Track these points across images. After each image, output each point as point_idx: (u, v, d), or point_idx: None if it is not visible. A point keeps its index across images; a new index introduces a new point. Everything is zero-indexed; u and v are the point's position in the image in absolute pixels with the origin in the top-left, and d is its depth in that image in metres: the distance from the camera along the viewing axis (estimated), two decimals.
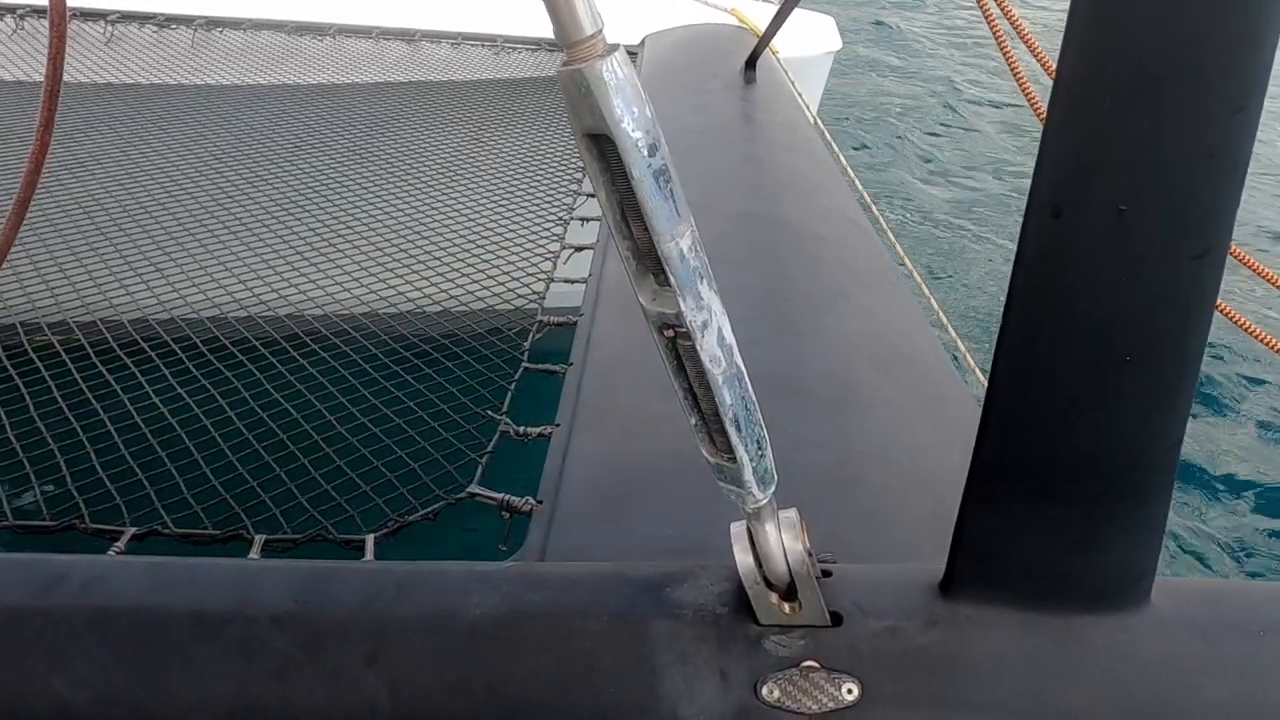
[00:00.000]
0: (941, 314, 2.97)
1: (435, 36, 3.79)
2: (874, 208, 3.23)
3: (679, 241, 0.62)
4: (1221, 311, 1.78)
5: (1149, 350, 0.67)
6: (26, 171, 0.91)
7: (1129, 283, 0.65)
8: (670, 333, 0.67)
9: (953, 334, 2.97)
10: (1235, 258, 1.77)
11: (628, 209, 0.64)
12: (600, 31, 0.58)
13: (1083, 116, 0.62)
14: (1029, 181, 0.66)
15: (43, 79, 0.89)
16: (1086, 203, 0.63)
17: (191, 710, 0.77)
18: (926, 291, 2.97)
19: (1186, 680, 0.74)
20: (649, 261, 0.65)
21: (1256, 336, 1.91)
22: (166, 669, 0.77)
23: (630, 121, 0.58)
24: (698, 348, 0.66)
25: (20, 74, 3.18)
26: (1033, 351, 0.69)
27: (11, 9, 3.59)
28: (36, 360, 1.86)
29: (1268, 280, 1.89)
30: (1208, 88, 0.59)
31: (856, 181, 3.27)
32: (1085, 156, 0.63)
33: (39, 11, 3.60)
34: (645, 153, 0.59)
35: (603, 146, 0.61)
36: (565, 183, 2.68)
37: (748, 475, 0.71)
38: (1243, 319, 1.87)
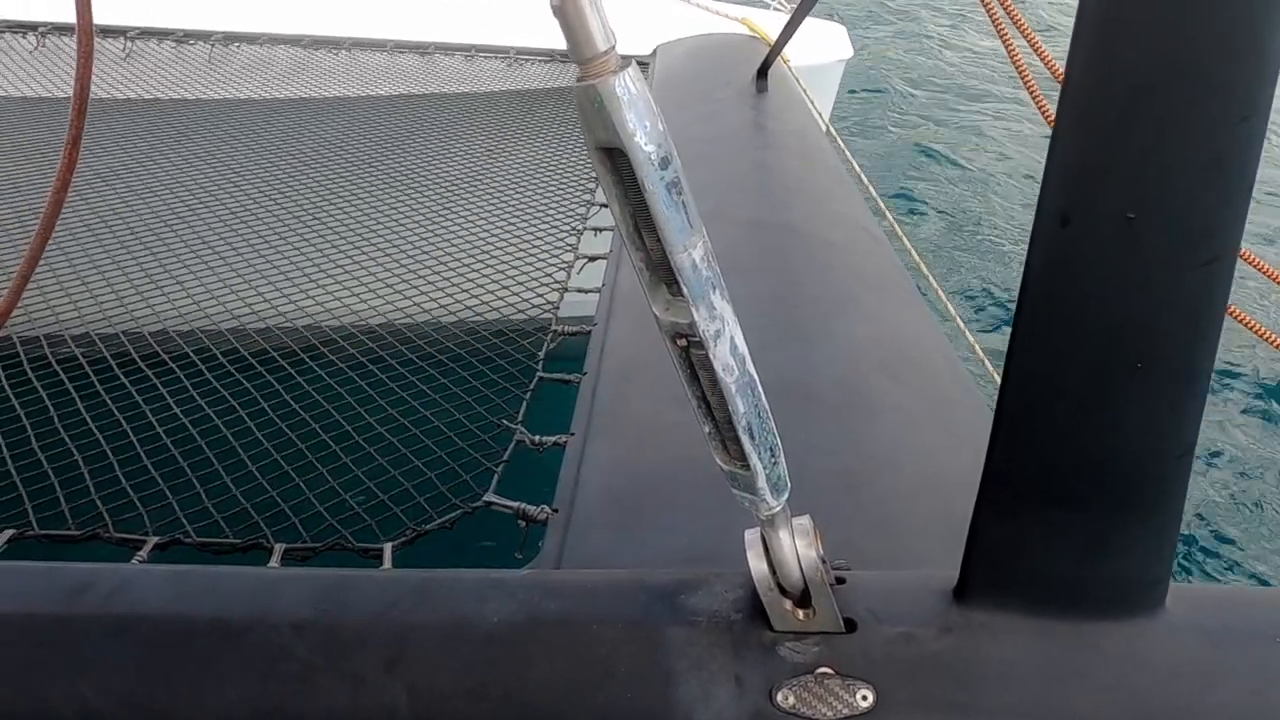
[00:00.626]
0: (958, 319, 2.96)
1: (449, 49, 3.82)
2: (889, 213, 3.22)
3: (691, 252, 0.63)
4: (1235, 317, 1.77)
5: (1159, 358, 0.67)
6: (54, 189, 0.93)
7: (1138, 290, 0.65)
8: (683, 342, 0.68)
9: (970, 338, 2.95)
10: (1247, 261, 1.76)
11: (640, 221, 0.65)
12: (613, 47, 0.59)
13: (1090, 125, 0.62)
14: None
15: (65, 95, 0.91)
16: (1095, 211, 0.64)
17: (214, 716, 0.78)
18: (943, 297, 2.95)
19: (1200, 687, 0.73)
20: (662, 272, 0.66)
21: (1269, 341, 1.89)
22: (189, 676, 0.79)
23: (643, 136, 0.59)
24: (711, 357, 0.66)
25: (43, 90, 3.23)
26: (1043, 359, 0.70)
27: (33, 26, 3.65)
28: (60, 372, 1.89)
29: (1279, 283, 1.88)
30: (1214, 95, 0.60)
31: (871, 188, 3.26)
32: (1093, 165, 0.63)
33: (60, 29, 3.65)
34: (658, 166, 0.60)
35: (616, 160, 0.62)
36: (579, 193, 2.70)
37: (761, 483, 0.71)
38: (1256, 323, 1.86)
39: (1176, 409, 0.70)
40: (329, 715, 0.77)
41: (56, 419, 1.74)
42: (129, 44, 3.69)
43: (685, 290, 0.64)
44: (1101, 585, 0.75)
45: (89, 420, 1.73)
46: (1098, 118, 0.62)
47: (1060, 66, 0.68)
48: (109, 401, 1.80)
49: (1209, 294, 0.66)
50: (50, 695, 0.78)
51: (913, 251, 3.08)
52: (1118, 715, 0.72)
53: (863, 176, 3.30)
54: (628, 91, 0.59)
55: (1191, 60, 0.59)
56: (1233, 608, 0.81)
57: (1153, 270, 0.64)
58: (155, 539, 1.32)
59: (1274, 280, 1.87)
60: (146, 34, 3.75)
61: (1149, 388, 0.68)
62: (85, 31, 0.87)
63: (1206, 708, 0.73)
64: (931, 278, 3.04)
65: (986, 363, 2.76)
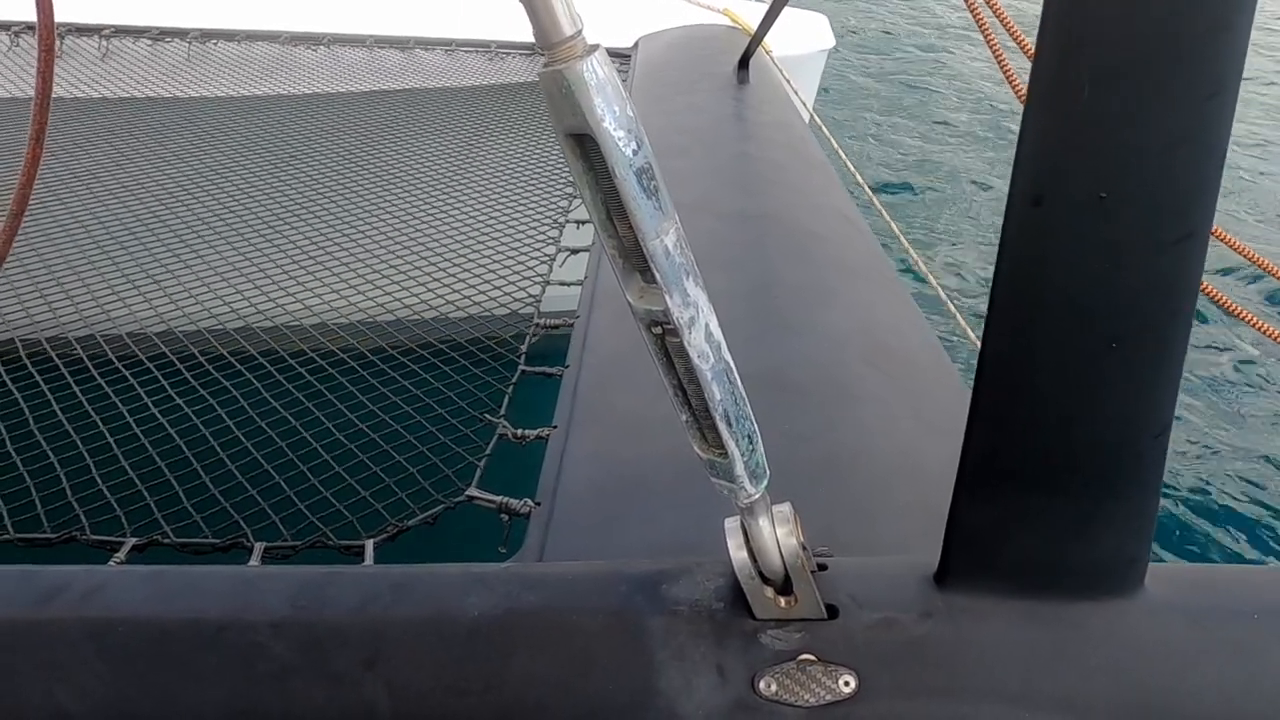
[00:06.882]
0: (949, 303, 2.94)
1: (429, 44, 3.80)
2: (876, 200, 3.22)
3: (664, 239, 0.62)
4: (1206, 294, 1.78)
5: (1134, 337, 0.67)
6: (19, 185, 0.91)
7: (1112, 269, 0.65)
8: (658, 330, 0.67)
9: (962, 322, 2.94)
10: (1219, 239, 1.77)
11: (612, 208, 0.64)
12: (580, 32, 0.58)
13: (1060, 105, 0.62)
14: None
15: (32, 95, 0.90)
16: (1067, 191, 0.64)
17: (191, 719, 0.77)
18: (934, 284, 2.94)
19: (1180, 664, 0.74)
20: (635, 259, 0.66)
21: (1241, 317, 1.91)
22: (165, 678, 0.78)
23: (612, 120, 0.59)
24: (685, 344, 0.66)
25: (15, 90, 3.19)
26: (1019, 341, 0.70)
27: (6, 26, 3.60)
28: (36, 375, 1.87)
29: (1252, 260, 1.89)
30: (1183, 72, 0.60)
31: (858, 176, 3.26)
32: (1064, 144, 0.63)
33: (34, 28, 3.60)
34: (628, 151, 0.60)
35: (585, 146, 0.62)
36: (560, 186, 2.69)
37: (739, 470, 0.71)
38: (1227, 299, 1.87)
39: (1152, 388, 0.70)
40: (307, 715, 0.77)
41: (32, 421, 1.72)
42: (105, 42, 3.65)
43: (659, 277, 0.63)
44: (1081, 566, 0.75)
45: (65, 422, 1.71)
46: (1068, 97, 0.61)
47: (1031, 45, 0.68)
48: (86, 404, 1.78)
49: (1182, 271, 0.66)
50: (24, 701, 0.77)
51: (902, 238, 3.07)
52: (1099, 695, 0.72)
53: (848, 164, 3.30)
54: (596, 76, 0.58)
55: (1160, 37, 0.59)
56: (1211, 586, 0.81)
57: (1126, 248, 0.64)
58: (133, 540, 1.31)
59: (1246, 256, 1.88)
60: (122, 32, 3.71)
61: (1124, 367, 0.68)
62: (46, 26, 0.85)
63: (1187, 686, 0.73)
64: (921, 263, 3.03)
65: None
